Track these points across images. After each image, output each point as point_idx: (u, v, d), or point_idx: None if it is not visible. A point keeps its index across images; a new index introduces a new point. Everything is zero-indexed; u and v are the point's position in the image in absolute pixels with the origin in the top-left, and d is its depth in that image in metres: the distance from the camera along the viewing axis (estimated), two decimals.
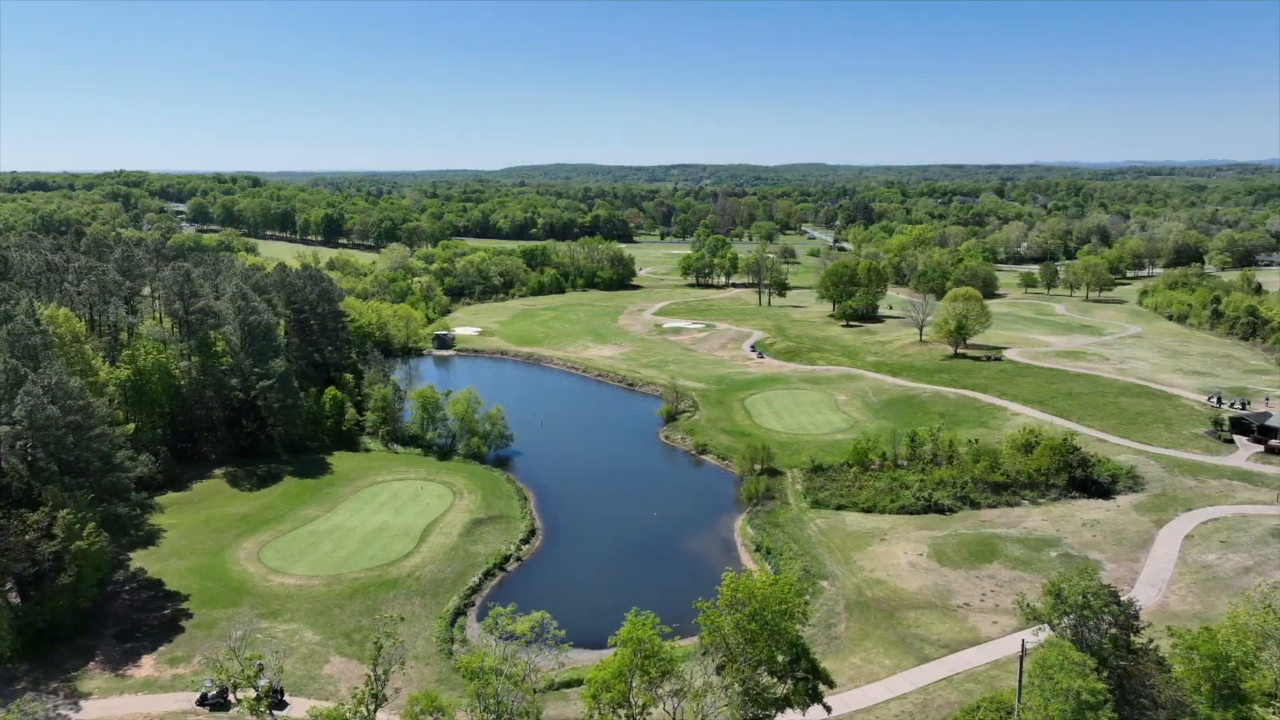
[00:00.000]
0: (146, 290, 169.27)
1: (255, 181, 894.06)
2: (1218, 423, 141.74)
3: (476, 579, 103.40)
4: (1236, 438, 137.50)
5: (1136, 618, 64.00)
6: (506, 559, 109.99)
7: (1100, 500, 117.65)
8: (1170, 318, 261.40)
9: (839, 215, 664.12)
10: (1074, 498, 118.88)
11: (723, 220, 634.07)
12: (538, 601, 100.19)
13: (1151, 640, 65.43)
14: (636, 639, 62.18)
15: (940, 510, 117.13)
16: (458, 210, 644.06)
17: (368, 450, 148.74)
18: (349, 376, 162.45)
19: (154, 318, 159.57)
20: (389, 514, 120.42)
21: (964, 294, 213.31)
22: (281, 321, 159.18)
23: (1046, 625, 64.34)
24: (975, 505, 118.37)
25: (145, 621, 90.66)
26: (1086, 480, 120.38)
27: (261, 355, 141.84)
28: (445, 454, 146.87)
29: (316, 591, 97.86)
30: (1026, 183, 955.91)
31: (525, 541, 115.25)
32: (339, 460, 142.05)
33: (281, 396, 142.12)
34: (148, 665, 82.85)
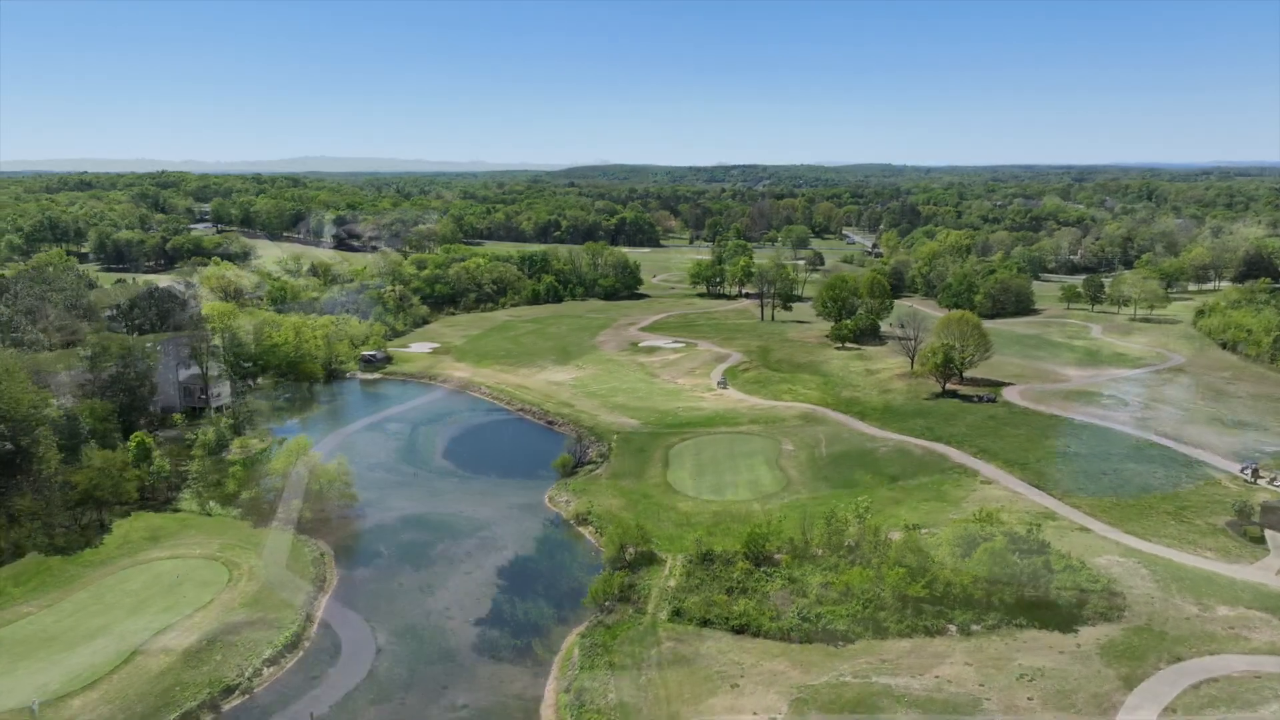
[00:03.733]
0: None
1: (295, 182, 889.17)
2: (1243, 511, 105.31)
3: None
4: (1269, 534, 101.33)
5: None
6: (230, 691, 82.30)
7: (1056, 633, 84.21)
8: (1224, 345, 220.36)
9: (884, 218, 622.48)
10: (1020, 625, 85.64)
11: (757, 223, 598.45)
12: None
13: None
14: None
15: (832, 639, 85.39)
16: (481, 212, 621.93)
17: (177, 510, 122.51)
18: (178, 417, 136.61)
19: None
20: (122, 612, 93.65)
21: (958, 319, 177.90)
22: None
23: None
24: (881, 632, 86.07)
25: None
26: (1040, 600, 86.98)
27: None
28: (267, 518, 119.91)
29: None
30: (1095, 184, 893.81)
31: (274, 661, 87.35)
32: (128, 525, 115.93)
33: (70, 443, 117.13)
34: None
